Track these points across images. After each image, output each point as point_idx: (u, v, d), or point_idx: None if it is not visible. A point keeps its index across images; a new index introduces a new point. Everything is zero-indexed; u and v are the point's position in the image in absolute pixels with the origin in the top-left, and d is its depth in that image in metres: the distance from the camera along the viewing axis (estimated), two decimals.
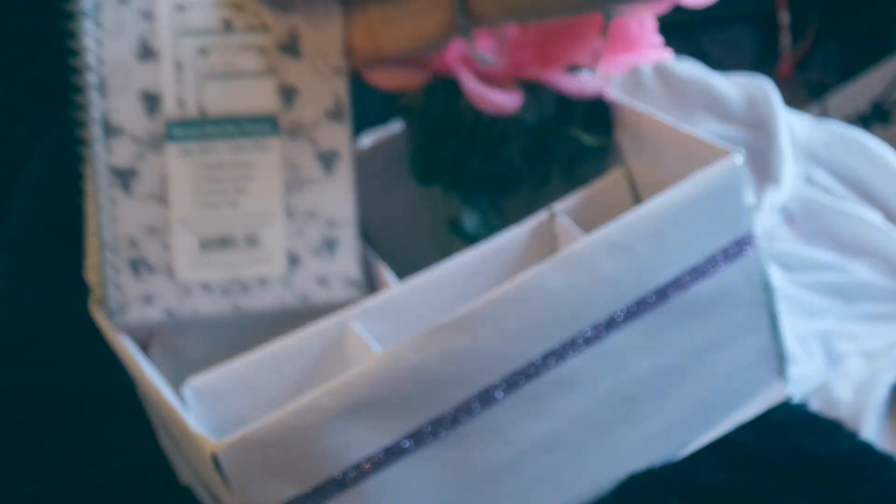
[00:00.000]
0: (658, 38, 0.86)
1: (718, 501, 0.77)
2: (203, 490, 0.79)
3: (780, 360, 0.83)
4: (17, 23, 1.12)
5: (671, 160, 0.81)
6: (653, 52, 0.85)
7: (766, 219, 1.01)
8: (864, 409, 0.82)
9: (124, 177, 0.76)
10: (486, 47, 0.81)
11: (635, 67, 1.17)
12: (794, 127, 1.09)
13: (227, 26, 0.77)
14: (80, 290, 0.81)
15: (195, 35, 0.77)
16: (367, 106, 0.82)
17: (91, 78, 0.75)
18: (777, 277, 0.95)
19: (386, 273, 0.81)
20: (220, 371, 0.76)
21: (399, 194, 0.90)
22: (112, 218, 0.76)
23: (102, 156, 0.76)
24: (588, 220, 0.82)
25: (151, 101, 0.76)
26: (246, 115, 0.78)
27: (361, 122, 1.08)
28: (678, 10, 0.80)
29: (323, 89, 0.79)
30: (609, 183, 0.85)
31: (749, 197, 0.78)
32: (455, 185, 0.87)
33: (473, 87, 0.80)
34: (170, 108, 0.77)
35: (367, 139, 0.90)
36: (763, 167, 1.06)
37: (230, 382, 0.76)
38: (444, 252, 0.83)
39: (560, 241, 0.81)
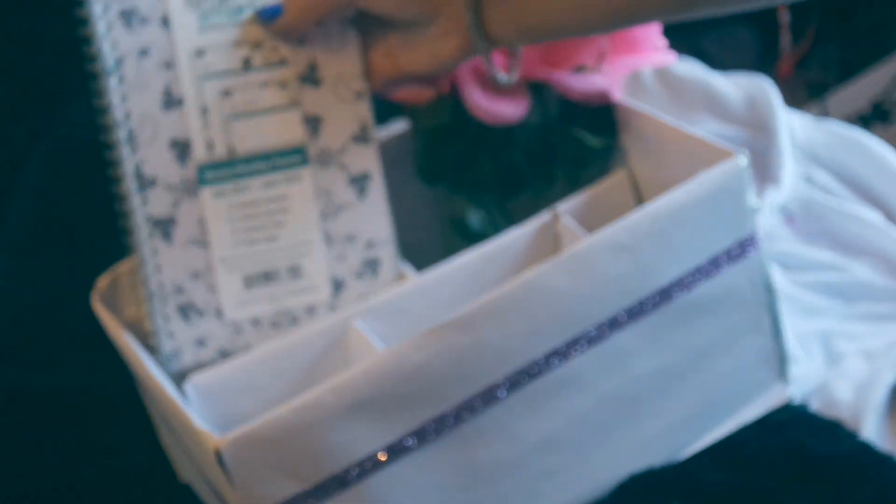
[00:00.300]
0: (662, 41, 0.86)
1: (718, 501, 0.77)
2: (205, 487, 0.79)
3: (781, 362, 0.83)
4: (16, 23, 1.12)
5: (675, 161, 0.81)
6: (657, 55, 0.85)
7: (766, 219, 1.01)
8: (864, 409, 0.82)
9: (163, 226, 0.77)
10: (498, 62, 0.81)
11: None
12: (794, 127, 1.09)
13: (247, 65, 0.78)
14: (80, 290, 0.81)
15: (217, 78, 0.77)
16: None
17: (120, 133, 0.76)
18: (777, 277, 0.95)
19: (403, 267, 0.81)
20: (223, 368, 0.76)
21: (402, 193, 0.90)
22: (156, 268, 0.77)
23: (140, 208, 0.76)
24: (591, 221, 0.82)
25: (181, 148, 0.77)
26: (274, 150, 0.79)
27: None
28: None
29: (347, 114, 0.80)
30: (612, 184, 0.85)
31: (752, 198, 0.78)
32: (460, 186, 0.87)
33: (478, 100, 0.80)
34: (199, 152, 0.77)
35: None
36: (763, 167, 1.06)
37: (232, 380, 0.76)
38: (448, 251, 0.83)
39: (563, 241, 0.81)
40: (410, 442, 0.70)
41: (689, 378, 0.79)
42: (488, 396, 0.72)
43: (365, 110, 0.80)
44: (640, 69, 1.15)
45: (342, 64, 0.79)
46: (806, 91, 1.48)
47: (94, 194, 0.82)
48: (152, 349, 0.78)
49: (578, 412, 0.75)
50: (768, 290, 0.80)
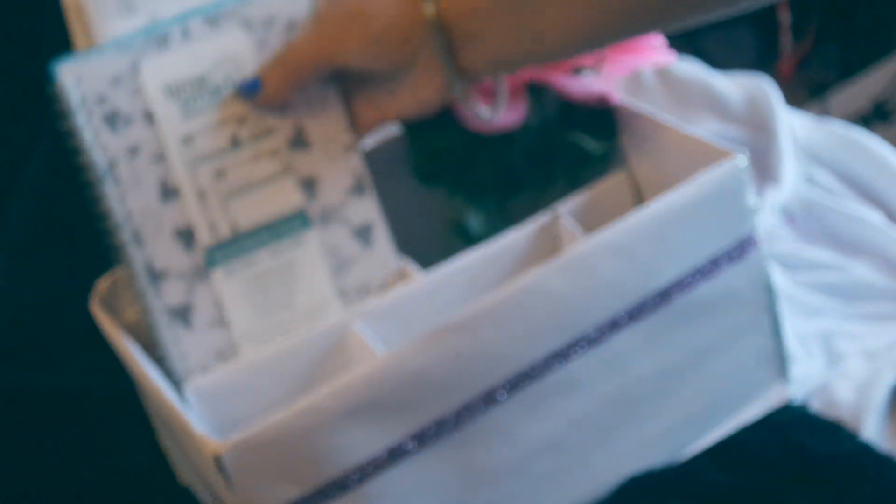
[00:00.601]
0: (661, 40, 0.86)
1: (719, 502, 0.77)
2: (204, 490, 0.79)
3: (781, 362, 0.83)
4: (17, 23, 1.12)
5: (674, 161, 0.81)
6: (655, 55, 0.85)
7: (767, 219, 1.01)
8: (865, 409, 0.82)
9: (182, 314, 0.78)
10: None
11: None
12: (794, 127, 1.09)
13: (235, 142, 0.78)
14: (81, 290, 0.81)
15: (208, 161, 0.78)
16: None
17: (125, 234, 0.76)
18: (777, 277, 0.95)
19: (407, 264, 0.81)
20: (223, 372, 0.76)
21: (401, 195, 0.90)
22: (181, 355, 0.77)
23: (156, 301, 0.77)
24: (591, 222, 0.82)
25: (186, 235, 0.78)
26: (276, 219, 0.79)
27: None
28: None
29: (340, 170, 0.80)
30: (612, 184, 0.85)
31: (752, 198, 0.78)
32: (459, 188, 0.87)
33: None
34: (204, 236, 0.78)
35: (369, 140, 0.90)
36: (764, 167, 1.06)
37: (233, 384, 0.76)
38: (449, 252, 0.83)
39: (563, 243, 0.81)
40: (410, 445, 0.70)
41: (690, 379, 0.79)
42: (488, 399, 0.72)
43: (357, 162, 0.81)
44: (639, 69, 1.15)
45: (328, 122, 0.80)
46: (806, 91, 1.49)
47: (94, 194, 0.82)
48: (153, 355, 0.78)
49: (578, 414, 0.75)
50: (768, 291, 0.80)
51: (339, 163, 0.80)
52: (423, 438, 0.70)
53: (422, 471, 0.71)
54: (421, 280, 0.78)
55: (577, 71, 0.83)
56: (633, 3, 0.68)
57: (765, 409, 0.82)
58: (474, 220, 0.86)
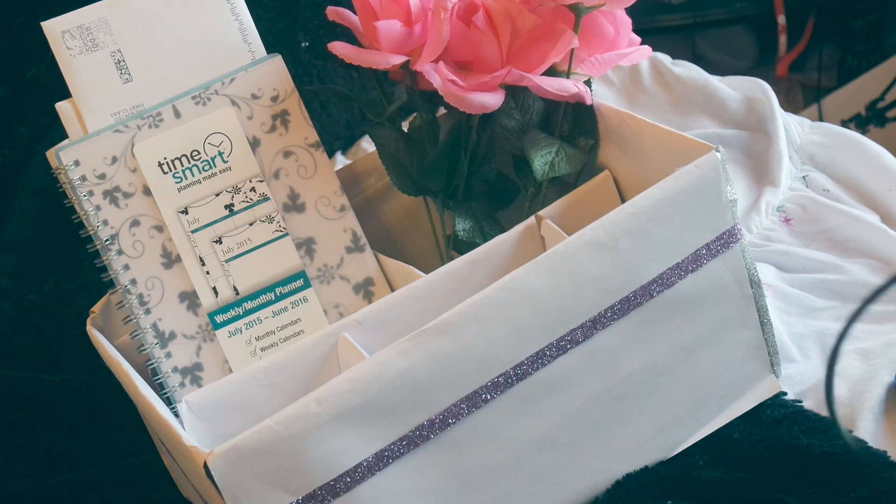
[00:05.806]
0: (635, 37, 0.85)
1: (713, 500, 0.77)
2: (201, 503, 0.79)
3: (770, 355, 0.82)
4: (19, 23, 1.12)
5: (655, 159, 0.81)
6: (630, 51, 0.85)
7: (764, 220, 1.01)
8: (860, 408, 0.82)
9: (192, 373, 0.81)
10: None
11: (634, 70, 1.17)
12: (790, 129, 1.09)
13: (231, 210, 0.82)
14: (83, 290, 0.82)
15: (205, 229, 0.82)
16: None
17: (132, 299, 0.80)
18: (774, 277, 0.96)
19: (410, 268, 0.82)
20: (216, 386, 0.76)
21: (395, 201, 0.91)
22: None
23: (165, 362, 0.81)
24: (577, 225, 0.81)
25: (190, 299, 0.82)
26: (276, 280, 0.83)
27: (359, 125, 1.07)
28: (676, 12, 0.80)
29: (336, 230, 0.84)
30: (595, 186, 0.85)
31: (730, 192, 0.77)
32: (444, 195, 0.87)
33: (452, 89, 0.80)
34: (207, 299, 0.82)
35: (369, 143, 0.90)
36: (761, 168, 1.06)
37: (226, 397, 0.76)
38: (440, 259, 0.83)
39: (549, 245, 0.80)
40: (399, 449, 0.70)
41: (678, 374, 0.79)
42: (474, 400, 0.72)
43: (352, 221, 0.84)
44: (636, 70, 1.16)
45: (320, 185, 0.83)
46: (802, 93, 1.49)
47: None
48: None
49: (568, 412, 0.75)
50: (753, 284, 0.80)
51: (334, 223, 0.84)
52: (412, 441, 0.70)
53: (412, 473, 0.71)
54: (409, 288, 0.78)
55: (551, 71, 0.83)
56: None
57: (756, 402, 0.82)
58: (462, 227, 0.85)
